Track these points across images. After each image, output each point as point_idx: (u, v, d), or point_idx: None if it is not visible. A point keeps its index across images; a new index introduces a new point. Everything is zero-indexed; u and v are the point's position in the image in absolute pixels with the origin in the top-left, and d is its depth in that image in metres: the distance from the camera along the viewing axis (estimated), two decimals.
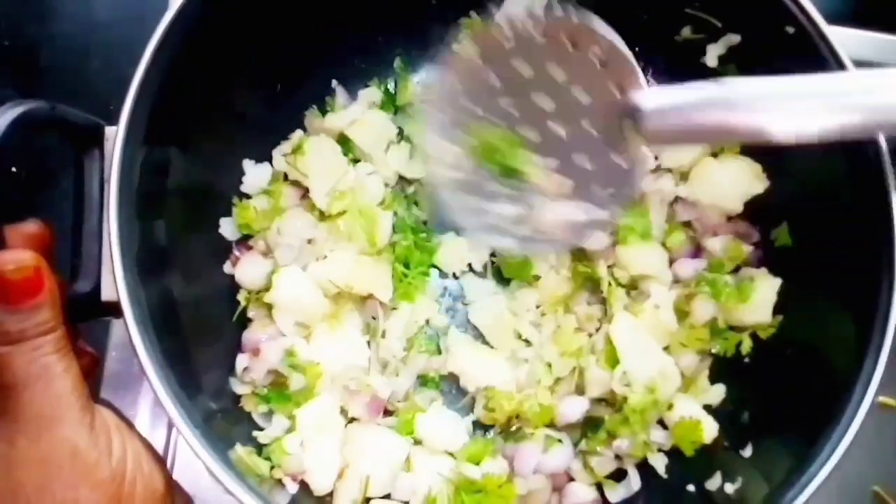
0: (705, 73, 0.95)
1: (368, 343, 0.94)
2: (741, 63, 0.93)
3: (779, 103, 0.59)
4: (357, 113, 0.98)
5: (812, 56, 0.80)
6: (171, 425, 0.95)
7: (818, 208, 0.87)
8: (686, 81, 0.96)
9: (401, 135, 1.01)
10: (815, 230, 0.87)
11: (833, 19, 0.79)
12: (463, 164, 0.76)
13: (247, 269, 0.92)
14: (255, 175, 0.95)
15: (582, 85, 0.71)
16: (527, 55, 0.72)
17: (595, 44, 0.69)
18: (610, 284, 0.92)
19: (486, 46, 0.72)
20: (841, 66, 0.78)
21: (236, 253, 0.94)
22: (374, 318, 0.94)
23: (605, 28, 0.70)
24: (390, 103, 1.02)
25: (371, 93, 1.02)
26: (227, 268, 0.93)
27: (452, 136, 0.75)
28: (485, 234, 0.78)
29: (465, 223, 0.77)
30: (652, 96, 0.67)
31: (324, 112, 1.00)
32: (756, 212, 0.94)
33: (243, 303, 0.92)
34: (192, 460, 0.70)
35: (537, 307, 0.97)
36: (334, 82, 1.01)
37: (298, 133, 0.99)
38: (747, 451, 0.86)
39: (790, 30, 0.81)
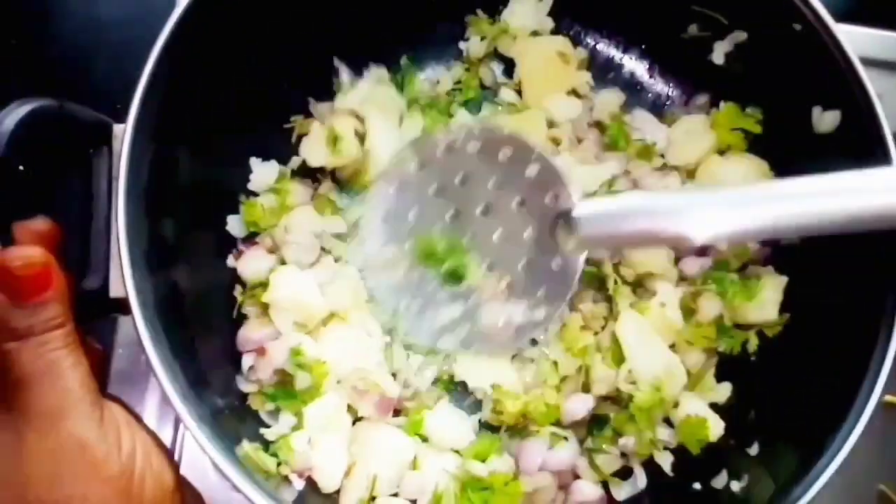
0: (712, 71, 0.95)
1: (389, 344, 0.94)
2: (748, 60, 0.93)
3: (693, 212, 0.65)
4: (365, 91, 0.98)
5: (819, 53, 0.80)
6: (178, 422, 0.97)
7: None
8: (693, 79, 0.99)
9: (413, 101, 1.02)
10: None
11: (839, 17, 0.79)
12: (404, 269, 0.80)
13: (249, 263, 0.92)
14: (262, 173, 0.95)
15: (517, 194, 0.77)
16: (463, 166, 0.78)
17: (528, 157, 0.76)
18: (616, 282, 0.92)
19: (424, 158, 0.78)
20: (848, 63, 0.78)
21: (241, 248, 0.94)
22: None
23: (536, 143, 0.77)
24: (397, 86, 1.02)
25: (376, 72, 1.01)
26: (229, 261, 0.93)
27: (394, 243, 0.80)
28: (433, 336, 0.82)
29: (413, 326, 0.82)
30: (584, 205, 0.73)
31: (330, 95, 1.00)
32: None
33: (239, 299, 0.92)
34: (200, 457, 0.71)
35: None
36: (336, 60, 1.00)
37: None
38: (754, 450, 0.86)
39: (797, 27, 0.81)
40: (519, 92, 1.02)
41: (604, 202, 0.73)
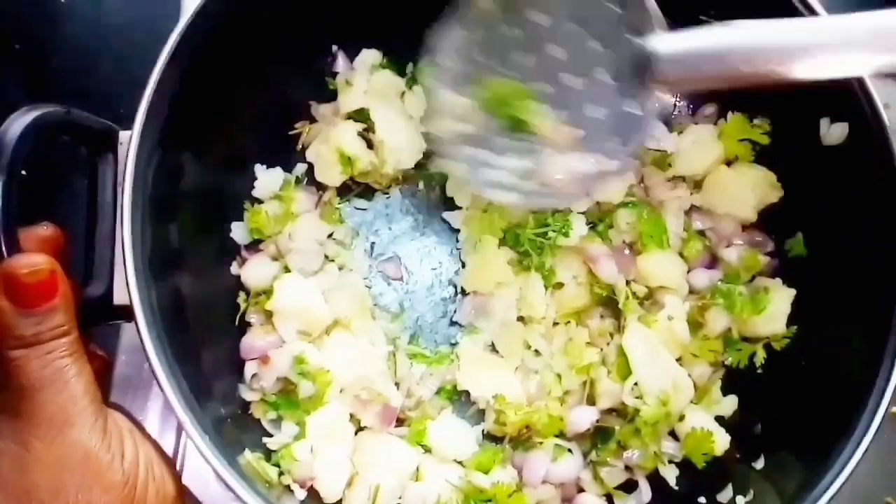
0: None
1: (393, 353, 0.94)
2: None
3: (798, 51, 0.60)
4: (363, 83, 0.98)
5: None
6: (180, 430, 0.96)
7: (833, 219, 0.86)
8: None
9: (412, 80, 1.00)
10: (829, 241, 0.87)
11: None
12: (471, 117, 0.76)
13: (253, 270, 0.92)
14: (266, 180, 0.95)
15: (598, 32, 0.71)
16: (543, 4, 0.72)
17: None
18: (627, 297, 0.92)
19: None
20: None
21: (245, 255, 0.93)
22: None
23: None
24: (393, 67, 1.01)
25: (369, 55, 1.00)
26: (233, 269, 0.93)
27: (462, 89, 0.76)
28: (490, 189, 0.78)
29: (472, 178, 0.78)
30: (668, 41, 0.67)
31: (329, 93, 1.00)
32: (770, 222, 0.93)
33: (242, 306, 0.92)
34: (202, 466, 0.70)
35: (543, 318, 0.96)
36: (335, 48, 1.00)
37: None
38: (759, 464, 0.85)
39: None
40: None
41: (689, 38, 0.66)
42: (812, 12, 0.78)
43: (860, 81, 0.77)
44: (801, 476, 0.76)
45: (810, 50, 0.60)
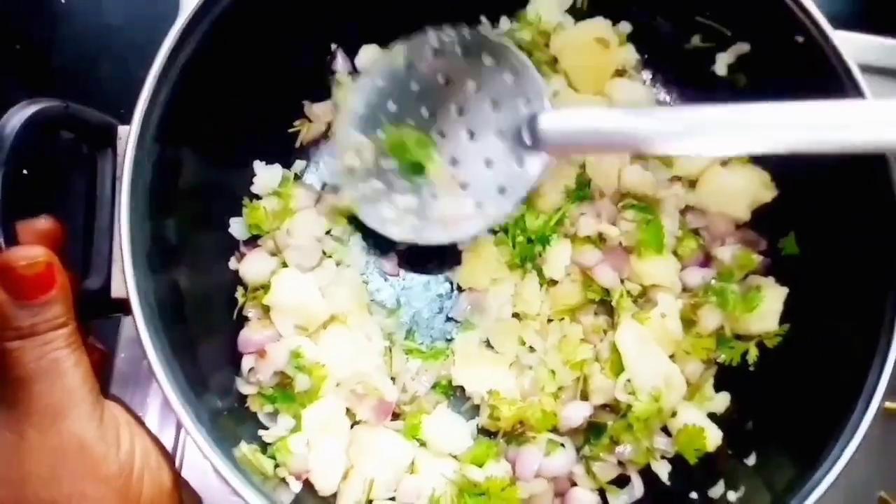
0: (714, 82, 0.96)
1: (389, 348, 0.95)
2: (750, 71, 0.93)
3: (659, 139, 0.72)
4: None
5: (821, 67, 0.80)
6: (180, 425, 0.96)
7: (825, 217, 0.87)
8: (695, 89, 0.99)
9: None
10: (821, 239, 0.87)
11: (837, 24, 0.80)
12: (371, 158, 0.86)
13: (252, 265, 0.92)
14: (265, 176, 0.96)
15: (493, 95, 0.83)
16: (447, 66, 0.84)
17: (512, 64, 0.82)
18: (621, 296, 0.92)
19: (413, 54, 0.84)
20: (848, 74, 0.78)
21: (243, 250, 0.94)
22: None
23: (518, 51, 0.83)
24: None
25: (370, 53, 1.01)
26: (231, 263, 0.93)
27: (367, 131, 0.86)
28: (380, 223, 0.87)
29: (366, 212, 0.88)
30: (552, 115, 0.79)
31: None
32: (763, 220, 0.94)
33: (240, 300, 0.92)
34: (200, 460, 0.71)
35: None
36: (334, 46, 1.00)
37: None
38: (751, 460, 0.86)
39: (799, 39, 0.81)
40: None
41: (572, 116, 0.80)
42: (804, 11, 0.79)
43: (853, 81, 0.78)
44: (793, 472, 0.77)
45: (663, 136, 0.72)
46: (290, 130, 1.00)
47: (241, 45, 0.84)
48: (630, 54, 0.99)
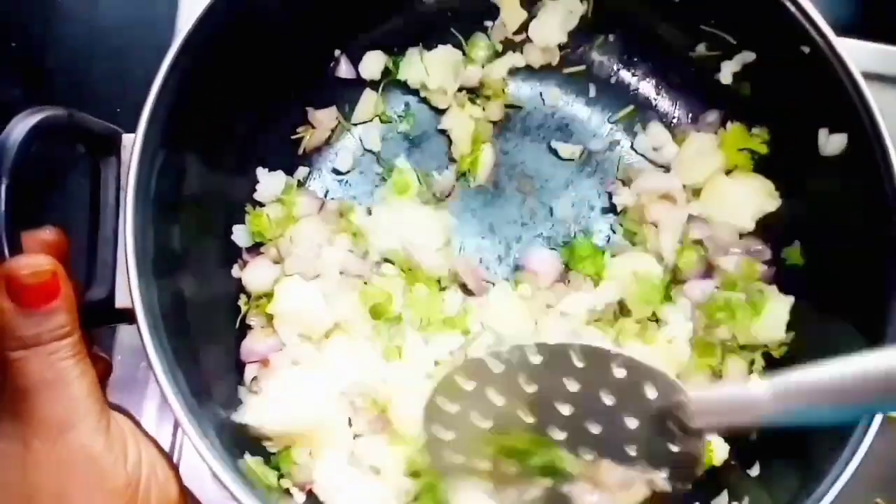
0: (719, 90, 0.96)
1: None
2: (755, 81, 0.93)
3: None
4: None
5: (827, 77, 0.80)
6: (175, 431, 0.97)
7: (830, 228, 0.87)
8: (700, 96, 0.99)
9: None
10: (826, 250, 0.87)
11: (840, 31, 0.80)
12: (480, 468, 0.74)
13: (255, 273, 0.92)
14: (268, 183, 0.95)
15: (607, 398, 0.70)
16: (532, 381, 0.71)
17: (611, 360, 0.69)
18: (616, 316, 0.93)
19: (480, 379, 0.71)
20: (856, 87, 0.78)
21: (246, 258, 0.94)
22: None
23: (614, 348, 0.71)
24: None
25: (374, 59, 1.01)
26: (234, 271, 0.93)
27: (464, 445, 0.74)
28: None
29: None
30: (695, 396, 0.67)
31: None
32: (768, 230, 0.94)
33: (243, 308, 0.92)
34: (198, 466, 0.70)
35: None
36: (338, 52, 1.00)
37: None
38: (755, 471, 0.86)
39: (805, 49, 0.82)
40: None
41: (717, 393, 0.69)
42: (810, 21, 0.79)
43: (859, 93, 0.78)
44: (797, 483, 0.76)
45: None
46: (294, 137, 1.00)
47: (243, 51, 0.84)
48: None
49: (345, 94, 1.01)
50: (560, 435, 0.72)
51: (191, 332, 0.80)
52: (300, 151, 1.00)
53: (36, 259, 0.61)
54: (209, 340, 0.83)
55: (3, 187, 0.61)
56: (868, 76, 0.79)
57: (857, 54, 0.79)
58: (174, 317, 0.75)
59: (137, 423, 0.68)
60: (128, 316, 0.69)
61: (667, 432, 0.69)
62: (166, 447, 0.93)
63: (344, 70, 1.00)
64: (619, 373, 0.69)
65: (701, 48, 0.95)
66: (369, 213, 0.97)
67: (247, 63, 0.85)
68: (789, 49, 0.83)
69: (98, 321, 0.70)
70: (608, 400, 0.70)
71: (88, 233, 0.72)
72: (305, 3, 0.90)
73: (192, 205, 0.82)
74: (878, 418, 0.72)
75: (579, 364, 0.69)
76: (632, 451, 0.71)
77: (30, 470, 0.59)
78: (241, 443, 0.80)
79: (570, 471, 0.72)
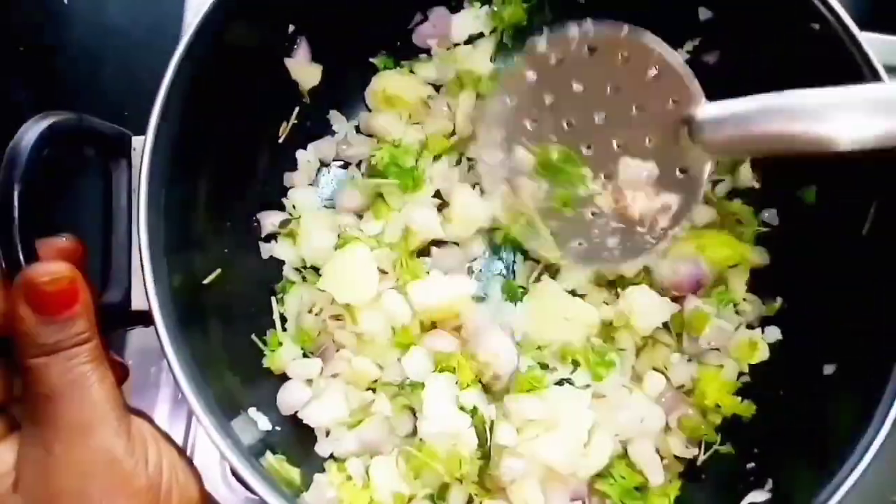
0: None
1: None
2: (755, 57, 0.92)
3: (842, 112, 0.60)
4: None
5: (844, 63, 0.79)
6: (187, 432, 0.98)
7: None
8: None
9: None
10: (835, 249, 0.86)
11: (859, 25, 0.78)
12: (518, 177, 0.79)
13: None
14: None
15: (635, 98, 0.73)
16: (578, 72, 0.74)
17: (647, 57, 0.71)
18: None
19: (537, 65, 0.74)
20: (867, 62, 0.77)
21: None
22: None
23: (656, 42, 0.71)
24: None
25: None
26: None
27: (509, 153, 0.78)
28: (545, 250, 0.82)
29: (523, 237, 0.82)
30: (709, 106, 0.69)
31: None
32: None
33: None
34: (209, 468, 0.70)
35: None
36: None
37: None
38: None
39: (815, 26, 0.80)
40: None
41: (732, 103, 0.67)
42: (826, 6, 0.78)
43: (872, 69, 0.77)
44: (809, 482, 0.74)
45: (848, 115, 0.60)
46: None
47: (250, 49, 0.84)
48: None
49: None
50: (588, 151, 0.76)
51: (208, 331, 0.80)
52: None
53: (54, 266, 0.60)
54: (226, 337, 0.84)
55: (16, 193, 0.61)
56: (891, 70, 0.77)
57: (879, 48, 0.77)
58: (192, 318, 0.75)
59: (157, 427, 0.68)
60: (144, 318, 0.69)
61: (676, 155, 0.72)
62: None
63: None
64: (653, 72, 0.71)
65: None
66: None
67: (254, 60, 0.85)
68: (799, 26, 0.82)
69: (115, 324, 0.70)
70: (634, 103, 0.73)
71: (102, 236, 0.72)
72: None
73: (205, 203, 0.82)
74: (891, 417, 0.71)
75: (622, 58, 0.72)
76: (642, 173, 0.75)
77: (52, 474, 0.59)
78: (263, 441, 0.81)
79: (588, 191, 0.77)
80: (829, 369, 0.82)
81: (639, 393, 0.90)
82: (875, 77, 0.76)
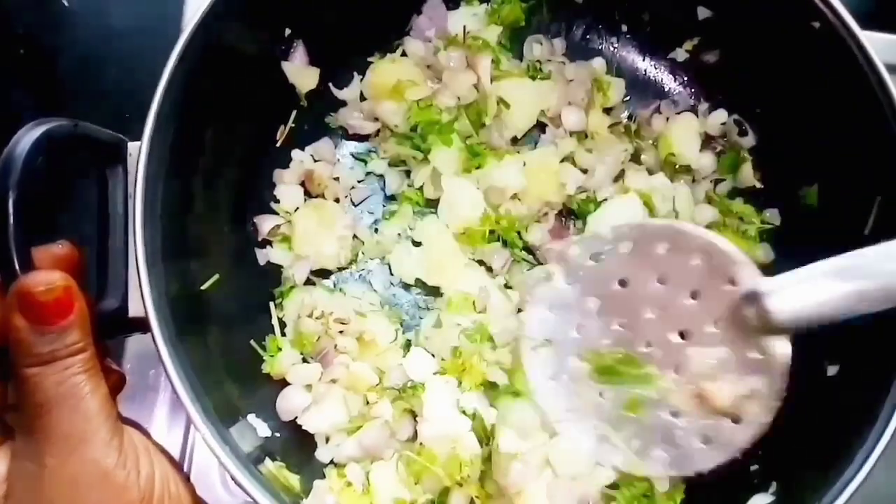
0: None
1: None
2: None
3: None
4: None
5: (838, 51, 0.78)
6: (185, 437, 0.98)
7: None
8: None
9: None
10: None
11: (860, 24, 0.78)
12: (580, 390, 0.75)
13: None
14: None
15: (687, 285, 0.69)
16: (617, 271, 0.71)
17: (689, 243, 0.68)
18: None
19: (571, 273, 0.72)
20: (868, 61, 0.76)
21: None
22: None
23: (695, 228, 0.69)
24: None
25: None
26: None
27: (562, 367, 0.74)
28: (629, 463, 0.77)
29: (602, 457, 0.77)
30: (769, 280, 0.66)
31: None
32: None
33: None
34: (207, 474, 0.69)
35: None
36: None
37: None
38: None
39: (815, 24, 0.80)
40: None
41: (795, 273, 0.65)
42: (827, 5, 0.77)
43: (874, 70, 0.76)
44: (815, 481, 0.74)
45: None
46: None
47: (246, 53, 0.84)
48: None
49: None
50: (647, 349, 0.72)
51: (206, 336, 0.79)
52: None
53: (49, 275, 0.60)
54: (225, 343, 0.83)
55: (11, 201, 0.61)
56: (888, 68, 0.76)
57: (880, 47, 0.77)
58: (189, 324, 0.74)
59: (150, 437, 0.68)
60: (142, 325, 0.69)
61: (745, 337, 0.67)
62: (176, 454, 0.94)
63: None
64: (698, 258, 0.68)
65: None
66: None
67: (248, 65, 0.85)
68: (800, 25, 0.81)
69: (112, 332, 0.70)
70: (688, 295, 0.69)
71: (98, 243, 0.71)
72: None
73: (203, 210, 0.82)
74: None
75: (662, 249, 0.68)
76: (710, 363, 0.70)
77: (44, 487, 0.59)
78: (262, 448, 0.80)
79: (658, 389, 0.71)
80: (832, 370, 0.81)
81: None
82: (876, 75, 0.75)
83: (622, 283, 0.71)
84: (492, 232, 0.92)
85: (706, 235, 0.68)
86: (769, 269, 0.89)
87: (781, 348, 0.67)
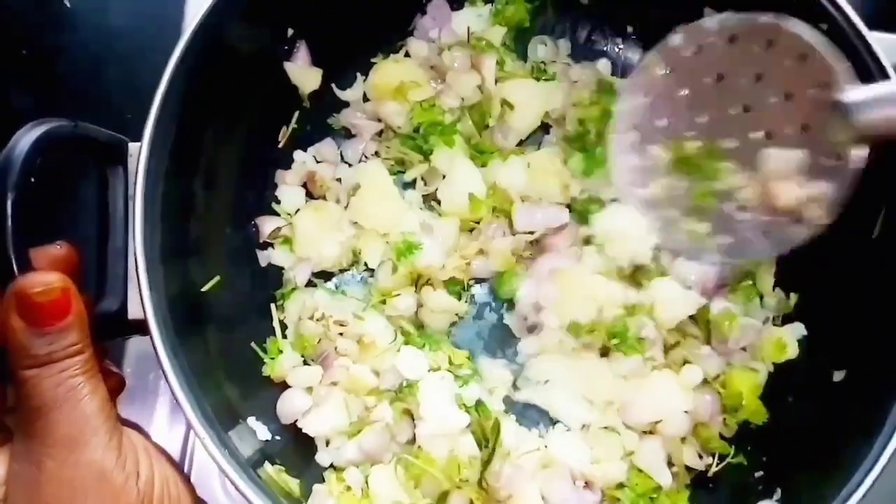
0: None
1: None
2: None
3: None
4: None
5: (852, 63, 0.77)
6: (186, 439, 0.98)
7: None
8: None
9: None
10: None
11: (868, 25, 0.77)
12: (655, 177, 0.76)
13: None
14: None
15: (779, 86, 0.69)
16: (715, 64, 0.71)
17: (792, 43, 0.67)
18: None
19: (671, 60, 0.72)
20: (875, 59, 0.75)
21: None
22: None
23: (800, 26, 0.68)
24: None
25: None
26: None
27: (644, 154, 0.76)
28: (687, 250, 0.81)
29: (663, 237, 0.80)
30: (861, 88, 0.65)
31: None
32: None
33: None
34: (208, 476, 0.69)
35: None
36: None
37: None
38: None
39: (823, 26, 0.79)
40: None
41: (886, 83, 0.66)
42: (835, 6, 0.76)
43: (881, 67, 0.75)
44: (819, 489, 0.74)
45: None
46: None
47: (248, 53, 0.83)
48: None
49: None
50: (729, 144, 0.73)
51: (206, 338, 0.79)
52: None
53: (46, 276, 0.60)
54: (225, 345, 0.83)
55: (9, 202, 0.60)
56: None
57: (888, 47, 0.76)
58: (189, 327, 0.74)
59: (150, 439, 0.68)
60: (141, 327, 0.69)
61: (825, 144, 0.67)
62: (177, 455, 0.94)
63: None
64: (798, 57, 0.67)
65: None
66: None
67: (250, 65, 0.85)
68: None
69: (111, 334, 0.69)
70: (778, 91, 0.69)
71: (98, 244, 0.71)
72: None
73: (203, 209, 0.82)
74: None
75: (763, 47, 0.68)
76: (788, 164, 0.70)
77: (42, 489, 0.59)
78: (262, 451, 0.80)
79: (731, 185, 0.73)
80: (838, 376, 0.81)
81: (671, 378, 0.88)
82: (884, 77, 0.74)
83: (718, 76, 0.72)
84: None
85: (811, 36, 0.67)
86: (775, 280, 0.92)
87: (858, 154, 0.66)
